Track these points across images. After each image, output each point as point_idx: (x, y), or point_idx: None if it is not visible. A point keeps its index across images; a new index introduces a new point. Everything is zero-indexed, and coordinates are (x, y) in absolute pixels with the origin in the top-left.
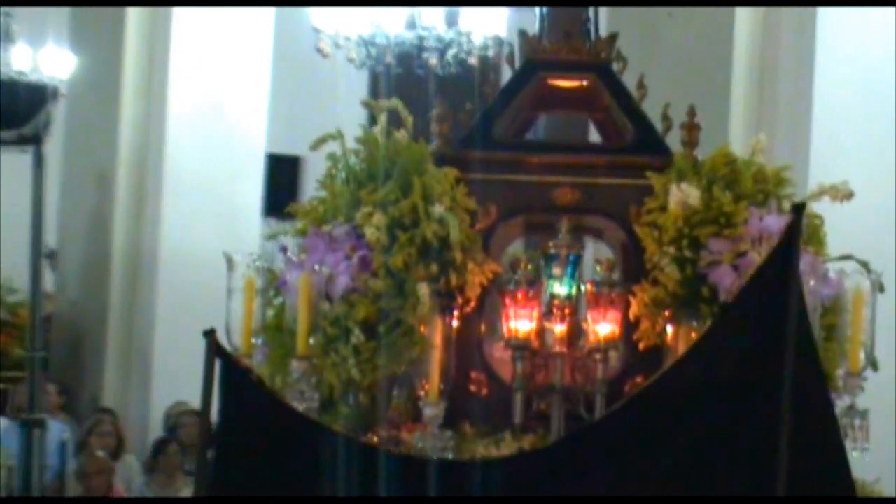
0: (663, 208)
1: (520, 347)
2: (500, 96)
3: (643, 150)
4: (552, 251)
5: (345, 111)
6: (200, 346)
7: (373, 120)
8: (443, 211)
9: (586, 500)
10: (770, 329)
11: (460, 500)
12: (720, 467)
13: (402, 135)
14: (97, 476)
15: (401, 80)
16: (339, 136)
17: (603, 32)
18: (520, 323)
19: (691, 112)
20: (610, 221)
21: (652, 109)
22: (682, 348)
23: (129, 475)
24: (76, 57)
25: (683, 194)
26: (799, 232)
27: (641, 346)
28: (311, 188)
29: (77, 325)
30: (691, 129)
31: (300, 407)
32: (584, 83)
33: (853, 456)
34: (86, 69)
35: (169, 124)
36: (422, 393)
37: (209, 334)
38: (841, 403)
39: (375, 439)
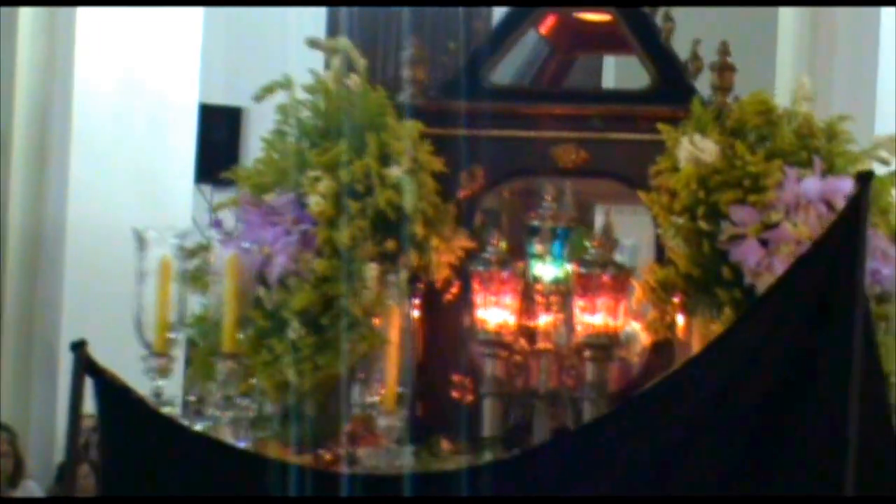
0: (677, 169)
1: (490, 343)
2: (494, 34)
3: (667, 99)
4: (534, 223)
5: (296, 54)
6: (116, 345)
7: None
8: (400, 174)
9: (584, 500)
10: (818, 326)
11: (458, 501)
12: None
13: (356, 82)
14: None
15: (365, 15)
16: (287, 83)
17: None
18: (489, 312)
19: (723, 49)
20: (624, 187)
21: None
22: (697, 343)
23: None
24: None
25: (695, 148)
26: (865, 209)
27: (648, 341)
28: (254, 147)
29: None
30: (723, 71)
31: (227, 416)
32: (608, 18)
33: None
34: None
35: (77, 69)
36: (376, 399)
37: (78, 347)
38: None
39: (329, 458)
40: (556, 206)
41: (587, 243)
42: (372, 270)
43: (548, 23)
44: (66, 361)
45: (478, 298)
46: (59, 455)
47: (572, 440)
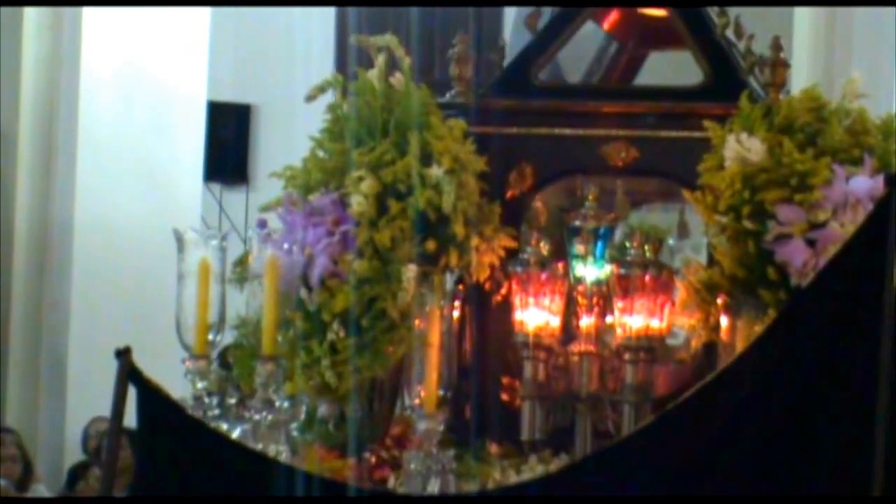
0: (722, 167)
1: (528, 345)
2: (544, 31)
3: (719, 96)
4: (575, 224)
5: (305, 49)
6: (124, 343)
7: (341, 61)
8: (440, 174)
9: (592, 501)
10: (850, 328)
11: (464, 500)
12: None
13: (398, 80)
14: None
15: (374, 12)
16: (337, 82)
17: None
18: (528, 314)
19: (775, 45)
20: (675, 186)
21: None
22: (741, 345)
23: None
24: None
25: (741, 148)
26: (893, 211)
27: (695, 343)
28: (263, 143)
29: None
30: (776, 67)
31: (268, 419)
32: (665, 13)
33: None
34: None
35: (83, 66)
36: (417, 402)
37: (123, 354)
38: None
39: (373, 461)
40: (596, 207)
41: (627, 244)
42: (410, 271)
43: (610, 18)
44: (74, 363)
45: (517, 300)
46: (68, 458)
47: (609, 455)
